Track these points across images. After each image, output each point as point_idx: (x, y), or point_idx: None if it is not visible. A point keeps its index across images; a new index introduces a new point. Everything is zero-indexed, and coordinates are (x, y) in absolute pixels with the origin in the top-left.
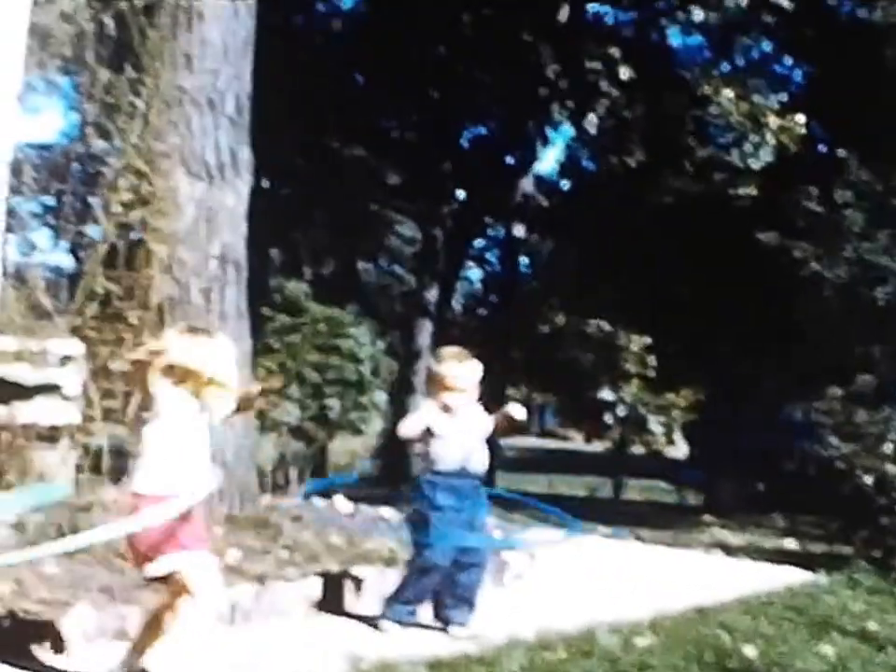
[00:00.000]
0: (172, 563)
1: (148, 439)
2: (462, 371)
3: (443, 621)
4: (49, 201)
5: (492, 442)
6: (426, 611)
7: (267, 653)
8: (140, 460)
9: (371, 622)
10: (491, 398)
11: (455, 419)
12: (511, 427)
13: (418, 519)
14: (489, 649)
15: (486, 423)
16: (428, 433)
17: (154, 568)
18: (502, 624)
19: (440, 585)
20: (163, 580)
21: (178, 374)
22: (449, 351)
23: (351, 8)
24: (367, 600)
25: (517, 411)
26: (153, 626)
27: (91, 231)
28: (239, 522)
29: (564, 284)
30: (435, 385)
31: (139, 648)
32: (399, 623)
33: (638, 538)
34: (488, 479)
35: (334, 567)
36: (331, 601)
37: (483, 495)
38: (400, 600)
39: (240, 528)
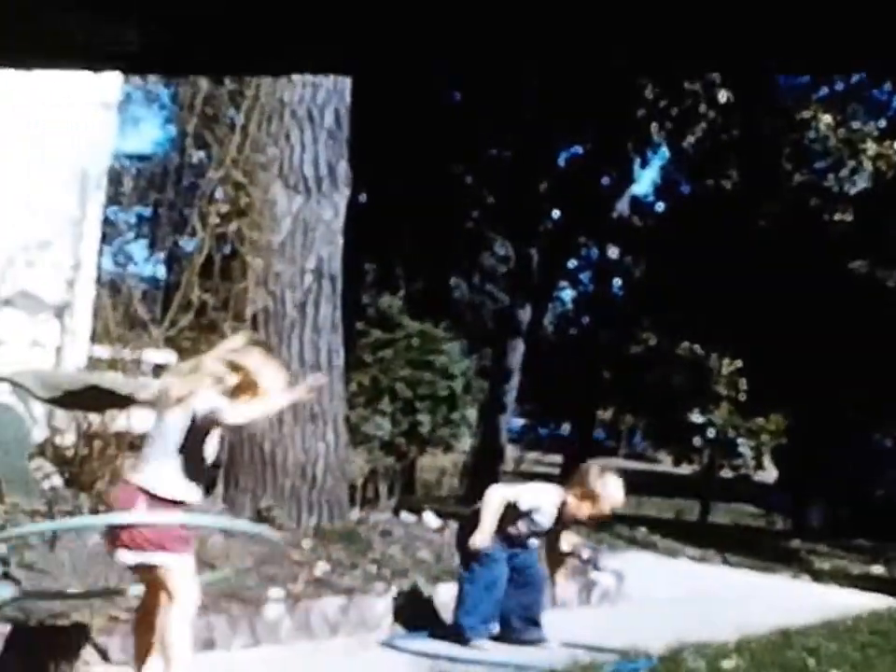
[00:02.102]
0: (153, 559)
1: (171, 436)
2: (619, 503)
3: (515, 641)
4: (145, 211)
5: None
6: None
7: (353, 667)
8: (156, 455)
9: (454, 637)
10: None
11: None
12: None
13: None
14: (575, 667)
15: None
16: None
17: (128, 558)
18: (588, 643)
19: (506, 606)
20: (141, 572)
21: (244, 385)
22: (615, 479)
23: None
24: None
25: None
26: (143, 626)
27: (185, 242)
28: (328, 534)
29: (656, 305)
30: (587, 499)
31: (138, 653)
32: (478, 638)
33: (726, 561)
34: None
35: (421, 582)
36: (417, 616)
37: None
38: (474, 616)
39: (329, 541)
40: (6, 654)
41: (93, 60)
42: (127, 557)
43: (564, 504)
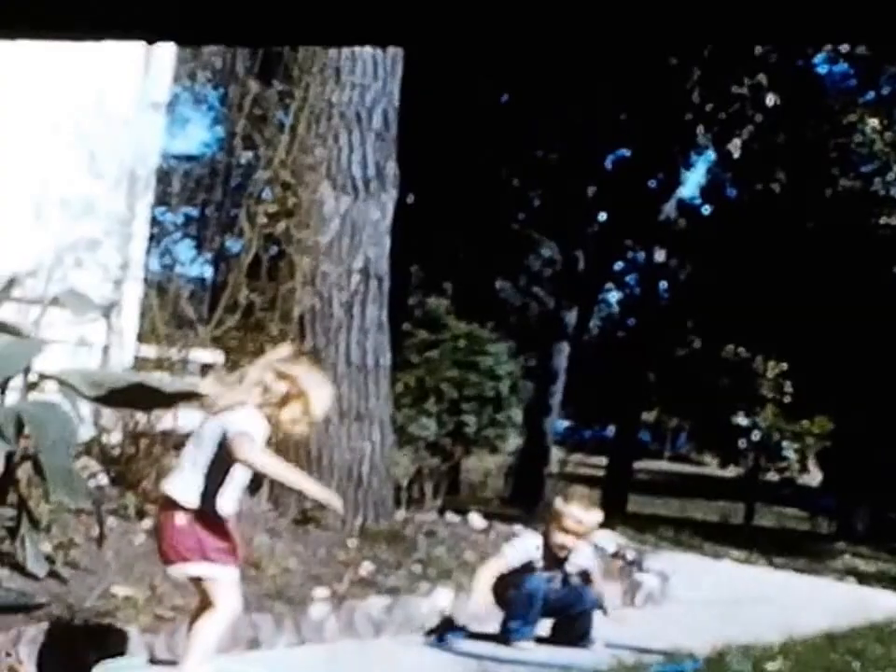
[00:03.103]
0: (194, 571)
1: (204, 446)
2: (586, 516)
3: (560, 643)
4: (193, 212)
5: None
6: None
7: (397, 667)
8: (187, 463)
9: (498, 638)
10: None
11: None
12: None
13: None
14: (619, 669)
15: (589, 563)
16: (528, 566)
17: (176, 570)
18: (633, 645)
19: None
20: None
21: (292, 395)
22: (579, 492)
23: None
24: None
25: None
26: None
27: (233, 242)
28: (373, 535)
29: (701, 308)
30: (554, 521)
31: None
32: (522, 639)
33: (770, 563)
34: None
35: (466, 584)
36: (460, 617)
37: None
38: (519, 618)
39: (374, 541)
40: (50, 653)
41: (141, 29)
42: (175, 570)
43: (546, 539)
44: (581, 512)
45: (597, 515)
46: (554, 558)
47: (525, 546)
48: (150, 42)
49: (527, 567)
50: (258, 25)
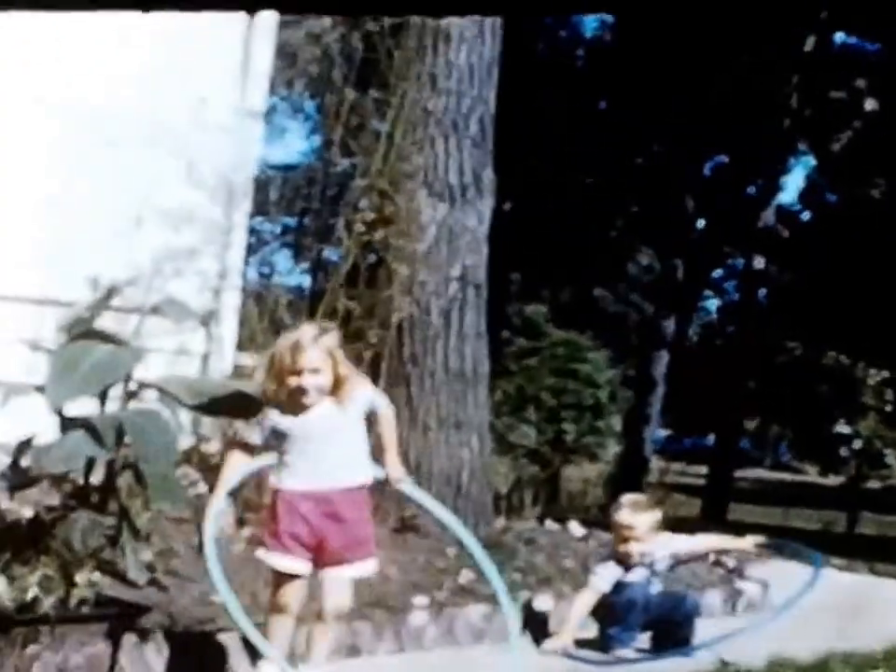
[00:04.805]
0: (361, 569)
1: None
2: (636, 520)
3: (660, 650)
4: (290, 221)
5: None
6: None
7: None
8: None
9: (598, 645)
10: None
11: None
12: None
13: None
14: None
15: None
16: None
17: (347, 572)
18: (735, 653)
19: (653, 619)
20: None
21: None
22: (625, 499)
23: (594, 37)
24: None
25: None
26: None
27: (330, 251)
28: None
29: (802, 315)
30: (614, 534)
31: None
32: (621, 648)
33: (873, 571)
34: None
35: (566, 591)
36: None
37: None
38: (618, 625)
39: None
40: (151, 661)
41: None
42: (275, 560)
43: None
44: (630, 517)
45: (649, 517)
46: (631, 566)
47: (608, 570)
48: (251, 12)
49: (618, 588)
50: None
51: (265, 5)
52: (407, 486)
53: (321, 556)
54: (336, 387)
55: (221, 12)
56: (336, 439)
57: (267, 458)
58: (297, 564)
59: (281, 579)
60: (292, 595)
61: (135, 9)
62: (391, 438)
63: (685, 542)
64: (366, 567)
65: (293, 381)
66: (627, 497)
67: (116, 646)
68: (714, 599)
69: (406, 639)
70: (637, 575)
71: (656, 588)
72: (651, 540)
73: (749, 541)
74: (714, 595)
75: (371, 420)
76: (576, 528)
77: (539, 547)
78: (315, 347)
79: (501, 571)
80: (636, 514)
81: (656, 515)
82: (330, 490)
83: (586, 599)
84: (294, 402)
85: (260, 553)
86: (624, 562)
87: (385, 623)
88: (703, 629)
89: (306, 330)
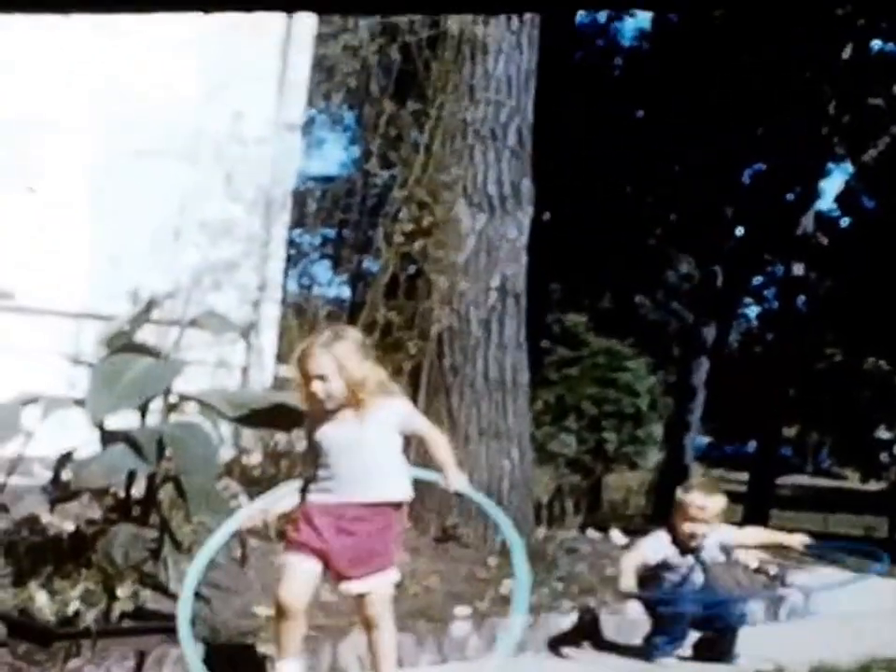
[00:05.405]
0: (370, 584)
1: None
2: (709, 502)
3: (703, 658)
4: (329, 233)
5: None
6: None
7: None
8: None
9: (640, 653)
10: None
11: (687, 556)
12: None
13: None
14: None
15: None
16: (665, 565)
17: (354, 587)
18: (777, 659)
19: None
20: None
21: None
22: (699, 481)
23: (631, 46)
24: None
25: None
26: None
27: (369, 261)
28: None
29: (841, 321)
30: (678, 512)
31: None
32: (663, 657)
33: None
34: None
35: (609, 600)
36: (597, 634)
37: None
38: (661, 633)
39: None
40: None
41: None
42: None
43: (674, 533)
44: (702, 498)
45: (720, 500)
46: (686, 551)
47: (658, 541)
48: (290, 12)
49: (664, 566)
50: None
51: (304, 5)
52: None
53: (331, 570)
54: (352, 397)
55: (258, 13)
56: (353, 452)
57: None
58: (305, 563)
59: (287, 577)
60: (295, 592)
61: (169, 10)
62: (446, 457)
63: (736, 533)
64: (377, 583)
65: (304, 387)
66: (698, 479)
67: (159, 659)
68: (756, 607)
69: (448, 650)
70: (685, 560)
71: (699, 578)
72: (714, 525)
73: (798, 538)
74: (756, 603)
75: (413, 439)
76: (618, 537)
77: (581, 556)
78: (324, 353)
79: (543, 581)
80: (708, 496)
81: (724, 500)
82: (343, 504)
83: (633, 559)
84: (317, 411)
85: (277, 559)
86: (683, 544)
87: (427, 633)
88: (745, 638)
89: (318, 336)
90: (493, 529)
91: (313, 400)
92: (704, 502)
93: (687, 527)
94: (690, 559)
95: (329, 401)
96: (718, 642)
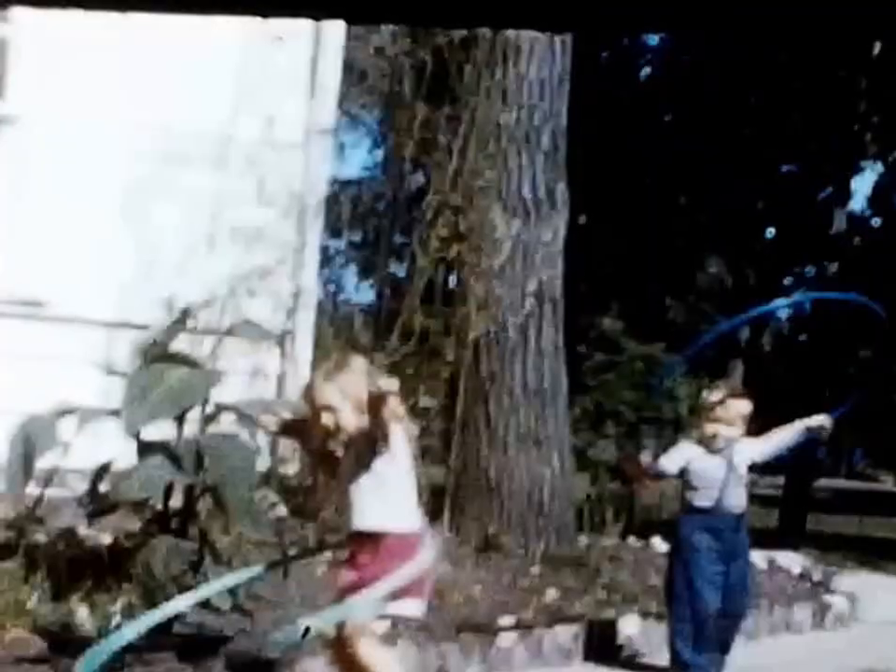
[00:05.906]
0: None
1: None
2: (732, 401)
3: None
4: (362, 237)
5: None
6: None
7: None
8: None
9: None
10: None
11: (715, 456)
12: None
13: (678, 564)
14: None
15: (748, 455)
16: (687, 471)
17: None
18: (823, 667)
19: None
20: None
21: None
22: (725, 382)
23: (661, 46)
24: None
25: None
26: None
27: (402, 267)
28: (556, 561)
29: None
30: (703, 414)
31: None
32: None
33: None
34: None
35: (652, 608)
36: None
37: (743, 534)
38: (688, 642)
39: (558, 567)
40: None
41: (310, 7)
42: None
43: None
44: (725, 396)
45: (743, 403)
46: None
47: (687, 446)
48: (318, 19)
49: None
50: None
51: (335, 13)
52: None
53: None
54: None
55: (288, 18)
56: (360, 480)
57: None
58: None
59: None
60: None
61: (202, 13)
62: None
63: (761, 443)
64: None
65: (314, 421)
66: (724, 381)
67: None
68: (802, 615)
69: (494, 660)
70: (716, 459)
71: (736, 481)
72: (739, 430)
73: (820, 418)
74: (802, 611)
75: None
76: (659, 544)
77: (623, 564)
78: (328, 385)
79: (587, 590)
80: (732, 398)
81: (750, 406)
82: (349, 532)
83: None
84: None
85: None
86: (708, 446)
87: (473, 644)
88: (792, 648)
89: (322, 367)
90: (534, 538)
91: (323, 433)
92: (728, 401)
93: (709, 428)
94: (717, 459)
95: (339, 433)
96: (721, 630)
